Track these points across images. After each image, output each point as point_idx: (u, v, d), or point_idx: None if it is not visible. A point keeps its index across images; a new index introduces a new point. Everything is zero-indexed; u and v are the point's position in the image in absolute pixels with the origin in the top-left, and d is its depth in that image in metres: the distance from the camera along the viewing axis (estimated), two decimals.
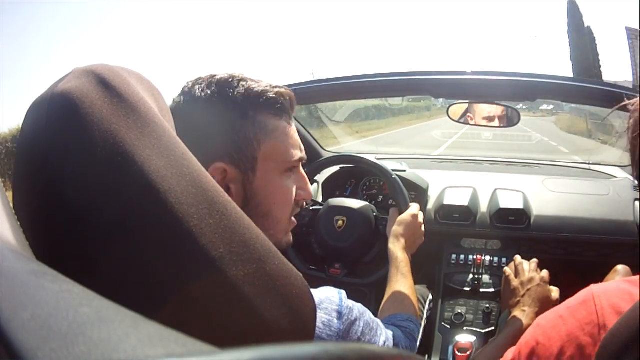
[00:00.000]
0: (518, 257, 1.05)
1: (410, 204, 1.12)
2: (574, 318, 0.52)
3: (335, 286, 0.62)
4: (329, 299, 0.57)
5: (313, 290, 0.56)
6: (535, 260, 1.02)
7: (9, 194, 0.31)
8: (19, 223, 0.29)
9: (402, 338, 0.76)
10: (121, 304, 0.19)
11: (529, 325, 0.88)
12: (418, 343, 0.87)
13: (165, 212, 0.31)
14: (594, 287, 0.54)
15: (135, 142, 0.32)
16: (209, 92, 0.57)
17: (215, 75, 0.59)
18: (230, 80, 0.58)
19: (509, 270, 1.03)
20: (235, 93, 0.57)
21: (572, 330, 0.51)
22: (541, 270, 1.00)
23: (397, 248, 1.01)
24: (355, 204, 1.19)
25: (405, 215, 1.07)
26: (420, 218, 1.09)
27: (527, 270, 0.99)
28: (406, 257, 1.00)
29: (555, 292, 0.96)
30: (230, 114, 0.56)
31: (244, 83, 0.58)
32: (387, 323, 0.81)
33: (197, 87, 0.58)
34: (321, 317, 0.54)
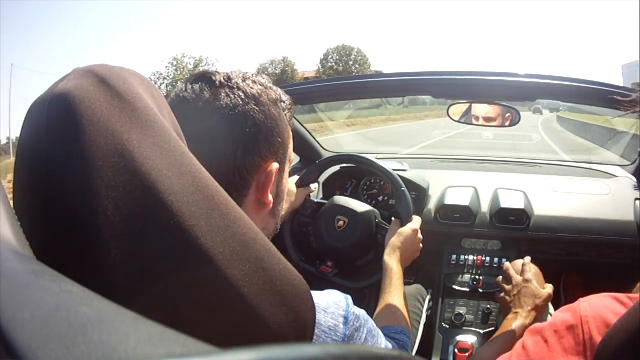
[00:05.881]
0: (507, 263, 1.07)
1: (413, 217, 1.12)
2: (559, 345, 0.50)
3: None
4: (335, 304, 0.57)
5: (320, 293, 0.56)
6: (527, 257, 1.04)
7: (9, 194, 0.31)
8: (19, 223, 0.29)
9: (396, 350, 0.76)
10: (121, 303, 0.19)
11: (522, 326, 0.89)
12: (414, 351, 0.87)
13: (165, 211, 0.31)
14: (581, 306, 0.52)
15: (135, 141, 0.32)
16: (254, 91, 0.57)
17: (247, 74, 0.59)
18: (266, 81, 0.60)
19: (507, 264, 1.05)
20: (274, 96, 0.59)
21: None
22: (539, 267, 1.01)
23: (392, 260, 1.02)
24: (359, 206, 1.18)
25: (406, 228, 1.08)
26: (420, 234, 1.10)
27: (519, 271, 1.01)
28: (400, 270, 1.01)
29: (548, 287, 0.97)
30: (275, 116, 0.58)
31: (275, 86, 0.60)
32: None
33: (238, 82, 0.57)
34: (327, 321, 0.54)
